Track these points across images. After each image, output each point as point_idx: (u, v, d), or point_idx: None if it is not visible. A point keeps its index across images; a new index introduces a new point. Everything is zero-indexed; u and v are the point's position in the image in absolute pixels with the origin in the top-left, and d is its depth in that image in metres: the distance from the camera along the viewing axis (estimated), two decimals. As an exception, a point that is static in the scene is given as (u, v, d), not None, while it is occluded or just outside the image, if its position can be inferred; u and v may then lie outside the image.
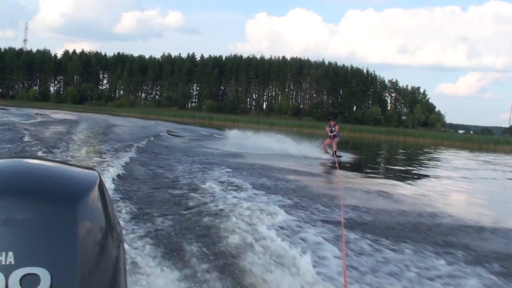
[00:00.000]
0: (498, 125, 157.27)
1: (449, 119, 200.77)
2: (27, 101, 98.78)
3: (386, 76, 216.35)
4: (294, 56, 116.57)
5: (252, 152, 17.50)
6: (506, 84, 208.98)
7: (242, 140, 22.18)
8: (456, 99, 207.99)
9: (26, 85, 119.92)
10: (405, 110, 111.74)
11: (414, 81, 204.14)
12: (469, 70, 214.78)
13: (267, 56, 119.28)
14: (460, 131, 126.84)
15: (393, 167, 20.08)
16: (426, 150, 35.74)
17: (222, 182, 8.86)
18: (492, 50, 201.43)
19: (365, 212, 7.43)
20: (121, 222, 4.11)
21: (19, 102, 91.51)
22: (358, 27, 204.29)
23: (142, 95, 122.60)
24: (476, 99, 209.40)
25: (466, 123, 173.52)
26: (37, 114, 40.03)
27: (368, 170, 16.78)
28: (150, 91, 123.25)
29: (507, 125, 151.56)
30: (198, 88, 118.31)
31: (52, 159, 1.08)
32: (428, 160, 25.56)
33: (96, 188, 0.84)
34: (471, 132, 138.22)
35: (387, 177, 14.72)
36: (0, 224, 0.72)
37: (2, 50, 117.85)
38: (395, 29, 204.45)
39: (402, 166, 20.33)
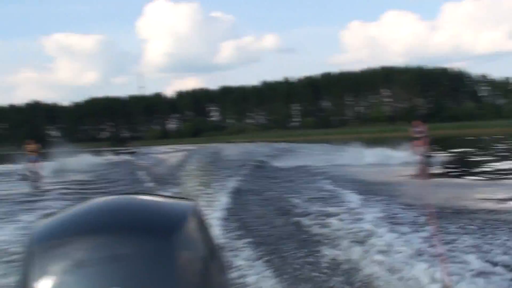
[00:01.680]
0: None
1: None
2: (152, 140, 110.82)
3: (498, 65, 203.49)
4: (387, 64, 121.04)
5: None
6: None
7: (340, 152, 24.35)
8: None
9: (146, 127, 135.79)
10: (501, 101, 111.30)
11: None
12: None
13: (367, 65, 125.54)
14: None
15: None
16: None
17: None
18: None
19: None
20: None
21: (149, 142, 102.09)
22: (458, 19, 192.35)
23: (248, 121, 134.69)
24: None
25: None
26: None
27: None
28: (255, 116, 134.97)
29: None
30: (299, 108, 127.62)
31: (150, 193, 1.27)
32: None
33: (192, 217, 0.87)
34: None
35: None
36: (106, 261, 0.75)
37: (128, 98, 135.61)
38: (500, 14, 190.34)
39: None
